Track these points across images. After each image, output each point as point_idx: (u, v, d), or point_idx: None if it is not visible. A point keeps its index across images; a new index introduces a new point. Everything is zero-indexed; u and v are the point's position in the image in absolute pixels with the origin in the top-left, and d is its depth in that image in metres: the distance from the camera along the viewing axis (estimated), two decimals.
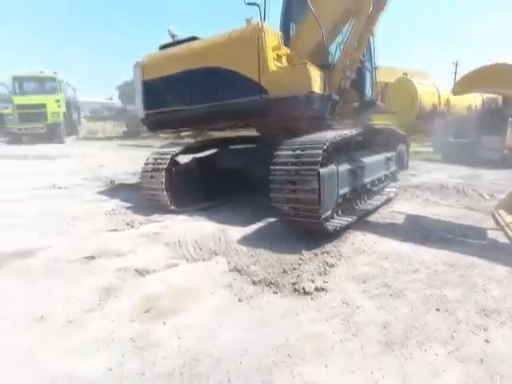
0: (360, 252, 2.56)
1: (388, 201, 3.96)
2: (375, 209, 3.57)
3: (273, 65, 3.35)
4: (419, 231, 3.04)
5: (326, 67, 3.60)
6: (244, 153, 4.51)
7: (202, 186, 3.97)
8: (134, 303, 1.80)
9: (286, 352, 1.44)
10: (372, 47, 4.20)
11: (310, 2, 3.55)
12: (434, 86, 13.72)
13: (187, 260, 2.35)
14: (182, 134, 5.37)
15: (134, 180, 5.45)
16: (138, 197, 4.18)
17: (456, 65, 34.52)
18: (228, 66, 3.61)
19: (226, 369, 1.33)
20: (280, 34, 3.69)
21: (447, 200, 4.45)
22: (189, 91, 3.90)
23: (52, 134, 11.36)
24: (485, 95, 12.66)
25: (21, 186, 4.69)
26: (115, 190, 4.76)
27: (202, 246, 2.58)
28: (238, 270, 2.19)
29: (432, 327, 1.63)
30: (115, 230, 2.99)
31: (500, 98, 10.48)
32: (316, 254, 2.45)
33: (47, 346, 1.46)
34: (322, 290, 1.97)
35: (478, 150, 8.97)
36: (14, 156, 8.21)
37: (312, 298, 1.90)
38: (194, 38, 4.18)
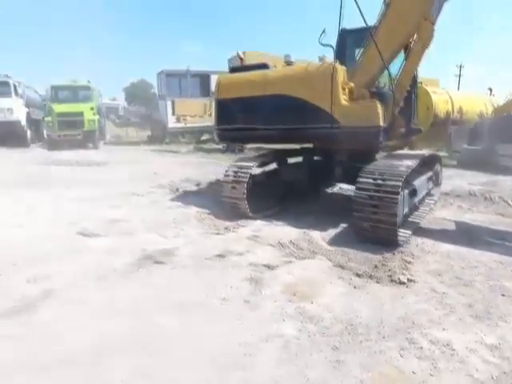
0: (426, 252, 3.21)
1: (430, 210, 4.61)
2: (423, 218, 4.22)
3: (342, 98, 4.00)
4: (466, 235, 3.68)
5: (383, 97, 4.25)
6: (301, 166, 5.15)
7: (269, 195, 4.63)
8: (280, 289, 2.45)
9: (410, 321, 2.08)
10: (416, 75, 4.81)
11: (373, 38, 4.20)
12: (447, 93, 14.38)
13: (296, 258, 3.00)
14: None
15: (193, 187, 6.11)
16: (209, 203, 4.86)
17: (460, 67, 34.97)
18: (302, 96, 4.26)
19: (376, 331, 1.98)
20: (345, 69, 4.33)
21: (477, 207, 5.09)
22: (261, 113, 4.56)
23: (87, 140, 12.06)
24: (496, 103, 13.23)
25: (103, 193, 5.35)
26: (184, 196, 5.41)
27: (300, 247, 3.23)
28: (341, 266, 2.84)
29: (503, 307, 2.27)
30: (218, 233, 3.65)
31: None
32: (394, 254, 3.10)
33: (244, 316, 2.11)
34: (412, 280, 2.61)
35: (493, 156, 9.64)
36: (65, 162, 8.88)
37: (407, 287, 2.54)
38: (264, 66, 4.88)
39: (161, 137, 15.16)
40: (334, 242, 3.42)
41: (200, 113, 12.49)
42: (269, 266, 2.80)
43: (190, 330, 1.97)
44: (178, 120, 12.12)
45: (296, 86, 4.27)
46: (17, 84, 11.97)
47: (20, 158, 9.95)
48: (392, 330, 1.98)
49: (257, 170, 4.55)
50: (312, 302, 2.28)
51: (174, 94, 14.31)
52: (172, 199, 5.20)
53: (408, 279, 2.62)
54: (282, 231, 3.73)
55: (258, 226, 3.97)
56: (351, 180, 5.05)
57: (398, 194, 3.10)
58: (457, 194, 5.77)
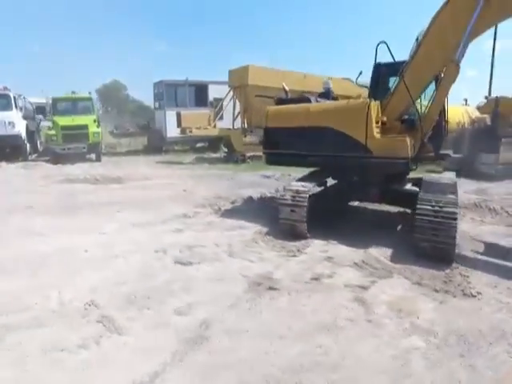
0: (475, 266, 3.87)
1: None
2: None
3: (375, 131, 4.63)
4: (499, 249, 4.39)
5: (413, 125, 4.91)
6: (338, 190, 5.73)
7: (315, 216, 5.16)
8: (386, 307, 2.98)
9: (499, 329, 2.69)
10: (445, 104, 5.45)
11: (401, 78, 4.84)
12: None
13: (378, 277, 3.55)
14: None
15: (230, 205, 6.48)
16: (258, 222, 5.30)
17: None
18: (340, 129, 4.86)
19: (482, 339, 2.57)
20: (378, 104, 4.95)
21: (486, 217, 5.92)
22: (303, 141, 5.12)
23: (91, 153, 12.00)
24: (474, 114, 14.52)
25: (155, 216, 5.62)
26: (230, 216, 5.77)
27: (374, 266, 3.78)
28: (418, 283, 3.43)
29: None
30: (293, 255, 4.12)
31: (488, 117, 12.43)
32: (452, 270, 3.73)
33: (377, 334, 2.62)
34: (480, 293, 3.24)
35: (475, 164, 10.86)
36: (82, 179, 8.88)
37: (478, 299, 3.16)
38: (307, 99, 5.44)
39: (158, 146, 15.26)
40: (395, 259, 4.01)
41: (205, 124, 12.77)
42: (362, 287, 3.33)
43: (348, 347, 2.45)
44: (184, 132, 12.33)
45: (336, 119, 4.88)
46: (16, 96, 11.60)
47: (29, 174, 9.75)
48: (492, 337, 2.58)
49: (313, 192, 5.07)
50: (418, 317, 2.84)
51: (172, 104, 14.49)
52: (222, 220, 5.58)
53: (477, 292, 3.25)
54: (346, 250, 4.27)
55: (320, 246, 4.48)
56: (389, 200, 5.73)
57: (455, 219, 3.74)
58: (464, 205, 6.55)
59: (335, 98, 6.90)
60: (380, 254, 4.18)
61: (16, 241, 4.48)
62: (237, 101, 13.36)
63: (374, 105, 4.76)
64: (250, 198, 6.99)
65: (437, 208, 3.87)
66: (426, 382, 2.14)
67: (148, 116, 19.52)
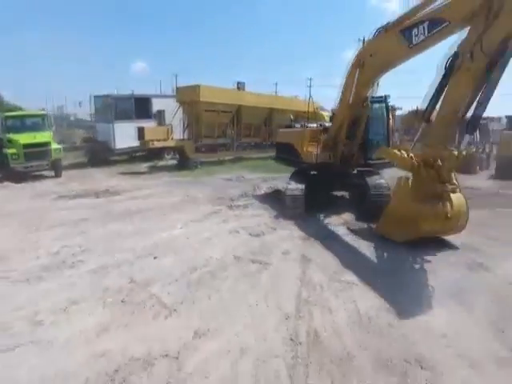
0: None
1: None
2: None
3: (305, 147, 8.21)
4: None
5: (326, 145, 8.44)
6: (323, 182, 8.83)
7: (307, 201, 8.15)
8: None
9: None
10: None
11: (332, 115, 8.27)
12: None
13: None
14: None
15: (234, 202, 8.89)
16: (269, 212, 8.00)
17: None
18: (294, 144, 8.28)
19: None
20: (317, 129, 8.38)
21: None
22: (286, 150, 8.20)
23: (53, 169, 12.13)
24: None
25: (197, 215, 7.68)
26: (244, 209, 8.27)
27: (334, 223, 6.99)
28: (350, 230, 6.75)
29: None
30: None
31: None
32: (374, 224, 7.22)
33: None
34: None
35: None
36: (74, 195, 9.71)
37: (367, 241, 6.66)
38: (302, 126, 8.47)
39: (104, 158, 15.91)
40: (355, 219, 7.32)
41: (165, 137, 14.28)
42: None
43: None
44: (146, 144, 13.66)
45: (293, 138, 8.27)
46: None
47: (15, 194, 9.78)
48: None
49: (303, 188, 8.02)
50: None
51: (120, 117, 15.41)
52: (241, 212, 8.02)
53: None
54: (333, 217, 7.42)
55: (312, 219, 7.50)
56: (345, 189, 9.14)
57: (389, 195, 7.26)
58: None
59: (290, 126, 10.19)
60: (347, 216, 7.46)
61: (141, 238, 6.13)
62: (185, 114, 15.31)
63: (308, 131, 8.20)
64: (244, 195, 9.56)
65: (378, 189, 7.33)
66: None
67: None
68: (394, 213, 5.88)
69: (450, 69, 4.86)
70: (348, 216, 7.68)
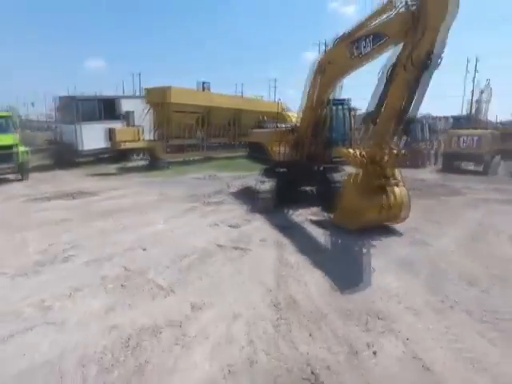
0: None
1: None
2: None
3: (274, 145, 8.99)
4: None
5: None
6: (291, 178, 9.58)
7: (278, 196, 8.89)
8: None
9: None
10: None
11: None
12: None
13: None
14: None
15: (209, 199, 9.43)
16: (243, 206, 8.64)
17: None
18: (265, 143, 9.00)
19: None
20: (287, 130, 9.15)
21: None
22: (257, 148, 8.88)
23: (19, 172, 11.80)
24: None
25: (176, 212, 8.11)
26: (219, 205, 8.85)
27: (296, 213, 7.82)
28: (312, 214, 7.64)
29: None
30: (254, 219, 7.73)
31: None
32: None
33: None
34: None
35: None
36: (47, 197, 9.66)
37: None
38: (274, 127, 9.15)
39: (70, 160, 15.64)
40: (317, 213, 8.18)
41: (135, 138, 14.34)
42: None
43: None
44: (117, 145, 13.66)
45: (264, 138, 9.02)
46: None
47: None
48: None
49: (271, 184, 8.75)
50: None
51: (86, 118, 15.23)
52: (217, 208, 8.59)
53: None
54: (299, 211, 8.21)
55: (282, 212, 8.26)
56: (311, 184, 9.96)
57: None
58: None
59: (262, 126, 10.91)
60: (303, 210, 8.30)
61: (127, 234, 6.45)
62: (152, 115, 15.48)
63: (277, 131, 9.00)
64: (217, 192, 10.12)
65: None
66: None
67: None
68: (346, 205, 6.65)
69: (390, 78, 5.74)
70: (315, 209, 8.52)
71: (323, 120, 8.90)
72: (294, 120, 15.09)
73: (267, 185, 8.57)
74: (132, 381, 2.91)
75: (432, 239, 6.36)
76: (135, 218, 7.55)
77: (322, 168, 9.57)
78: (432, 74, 5.25)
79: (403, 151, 6.25)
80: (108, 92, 17.12)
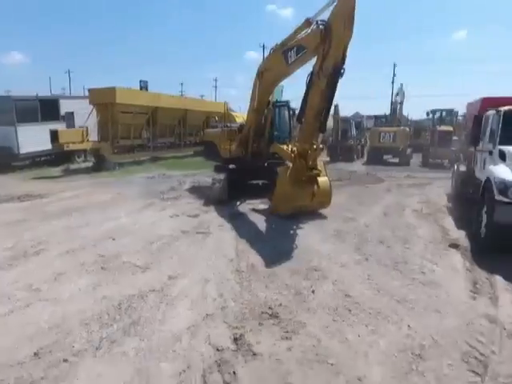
0: None
1: None
2: None
3: (223, 145, 10.07)
4: None
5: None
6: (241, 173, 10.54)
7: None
8: None
9: None
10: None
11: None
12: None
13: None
14: None
15: (165, 196, 10.03)
16: (199, 200, 9.45)
17: None
18: (215, 142, 9.98)
19: None
20: (228, 131, 10.22)
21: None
22: (210, 147, 9.78)
23: None
24: None
25: (135, 208, 8.58)
26: (176, 199, 9.53)
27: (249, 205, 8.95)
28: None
29: None
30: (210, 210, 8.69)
31: None
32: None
33: None
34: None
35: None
36: None
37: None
38: (226, 126, 10.02)
39: (6, 164, 14.81)
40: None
41: (80, 139, 14.07)
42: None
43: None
44: (61, 147, 13.29)
45: (214, 137, 9.98)
46: None
47: None
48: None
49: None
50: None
51: (25, 119, 14.53)
52: (175, 202, 9.28)
53: None
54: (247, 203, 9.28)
55: (234, 203, 9.26)
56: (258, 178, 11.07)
57: None
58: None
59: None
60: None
61: (92, 228, 6.76)
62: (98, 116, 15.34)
63: (226, 130, 10.06)
64: (172, 189, 10.75)
65: None
66: None
67: None
68: (279, 194, 7.72)
69: (309, 84, 6.74)
70: (264, 200, 9.65)
71: (266, 120, 10.09)
72: (237, 120, 16.26)
73: (220, 180, 9.49)
74: (131, 330, 3.66)
75: (358, 216, 7.90)
76: (96, 216, 7.92)
77: (266, 164, 10.78)
78: (337, 83, 6.27)
79: (321, 146, 7.58)
80: (29, 91, 16.26)
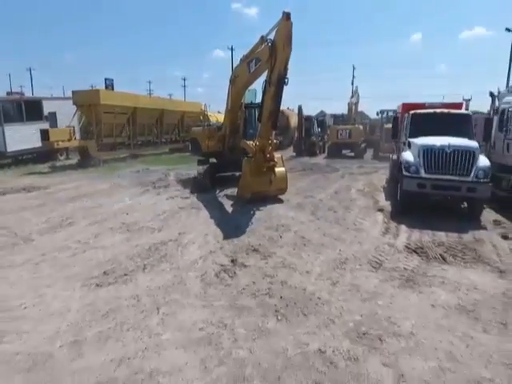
0: None
1: None
2: None
3: (206, 141, 11.97)
4: None
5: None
6: (221, 166, 12.41)
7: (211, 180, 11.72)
8: None
9: None
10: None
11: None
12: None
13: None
14: None
15: (157, 185, 11.72)
16: (186, 189, 11.28)
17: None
18: (198, 139, 11.84)
19: None
20: (212, 127, 12.17)
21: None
22: (197, 143, 11.67)
23: None
24: None
25: (133, 194, 10.25)
26: (167, 188, 11.29)
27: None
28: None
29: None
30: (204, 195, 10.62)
31: None
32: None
33: None
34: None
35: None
36: (3, 192, 10.56)
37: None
38: (210, 125, 11.86)
39: None
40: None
41: (68, 137, 15.22)
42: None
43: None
44: (51, 145, 14.41)
45: (198, 134, 11.84)
46: None
47: None
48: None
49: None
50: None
51: (10, 119, 15.45)
52: (165, 189, 11.03)
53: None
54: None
55: (217, 190, 11.20)
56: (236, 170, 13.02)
57: None
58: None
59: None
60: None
61: (105, 208, 8.36)
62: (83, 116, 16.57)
63: (207, 128, 11.96)
64: (160, 180, 12.46)
65: None
66: None
67: None
68: (242, 183, 9.41)
69: (264, 90, 8.11)
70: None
71: (239, 120, 12.07)
72: (211, 119, 18.10)
73: (203, 171, 11.36)
74: (162, 260, 5.55)
75: (316, 194, 10.17)
76: (104, 199, 9.55)
77: (242, 158, 12.78)
78: (282, 90, 7.94)
79: (275, 141, 9.63)
80: None
